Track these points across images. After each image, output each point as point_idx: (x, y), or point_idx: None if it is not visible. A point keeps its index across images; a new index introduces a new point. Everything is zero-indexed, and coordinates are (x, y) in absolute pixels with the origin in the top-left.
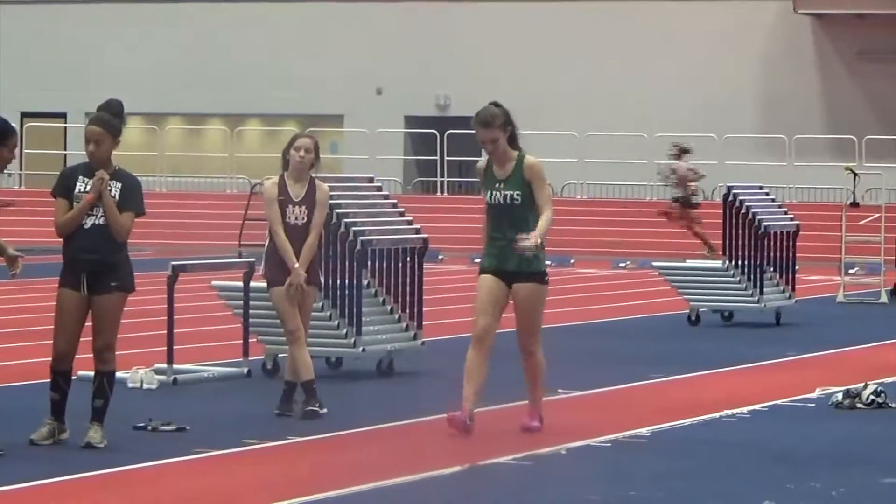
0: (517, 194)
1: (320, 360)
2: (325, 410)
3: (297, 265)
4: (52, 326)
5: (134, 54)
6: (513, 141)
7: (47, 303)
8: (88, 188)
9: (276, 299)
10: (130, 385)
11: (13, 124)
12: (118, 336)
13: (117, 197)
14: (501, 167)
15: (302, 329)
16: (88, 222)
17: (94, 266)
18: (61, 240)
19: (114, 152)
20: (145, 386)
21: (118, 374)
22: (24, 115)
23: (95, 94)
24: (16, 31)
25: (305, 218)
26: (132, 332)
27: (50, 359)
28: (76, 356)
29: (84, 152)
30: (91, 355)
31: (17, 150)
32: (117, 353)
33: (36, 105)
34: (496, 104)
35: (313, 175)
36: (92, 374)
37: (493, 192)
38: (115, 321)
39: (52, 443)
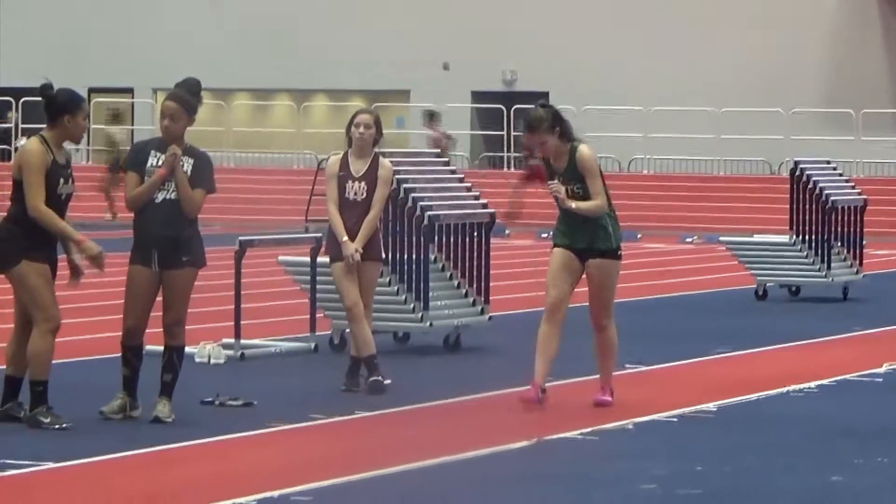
0: (577, 187)
1: (387, 335)
2: (388, 381)
3: (345, 239)
4: (123, 302)
5: (201, 30)
6: (564, 135)
7: (117, 278)
8: (161, 163)
9: (335, 275)
10: (198, 360)
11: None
12: (185, 309)
13: (189, 173)
14: (557, 161)
15: (360, 305)
16: (160, 197)
17: (166, 241)
18: (133, 214)
19: (181, 127)
20: (213, 361)
21: (187, 349)
22: (92, 90)
23: (162, 70)
24: (83, 5)
25: (365, 194)
26: (201, 308)
27: (120, 334)
28: (146, 331)
29: (154, 127)
30: (161, 330)
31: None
32: (186, 328)
33: (103, 80)
34: (543, 105)
35: (378, 151)
36: (161, 348)
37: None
38: (185, 296)
39: (123, 417)
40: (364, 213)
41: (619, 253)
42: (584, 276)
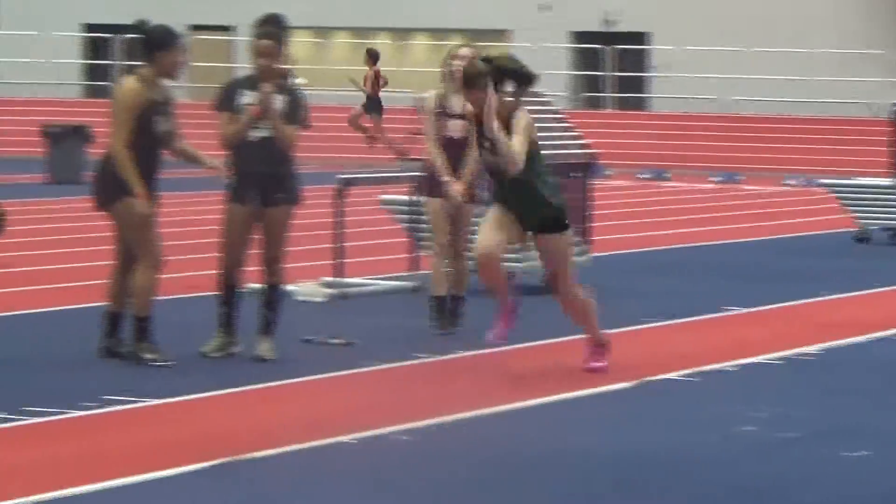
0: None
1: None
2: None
3: (447, 178)
4: (220, 240)
5: None
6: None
7: (213, 216)
8: (253, 101)
9: (430, 212)
10: (299, 298)
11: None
12: (286, 248)
13: (283, 110)
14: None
15: (444, 245)
16: (255, 135)
17: (262, 179)
18: (227, 153)
19: (276, 65)
20: (313, 299)
21: (287, 288)
22: (191, 27)
23: (262, 8)
24: None
25: (465, 131)
26: (299, 245)
27: (218, 272)
28: (245, 269)
29: (249, 65)
30: (260, 268)
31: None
32: (285, 266)
33: (203, 18)
34: (486, 59)
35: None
36: (261, 286)
37: (483, 152)
38: (282, 234)
39: (223, 355)
40: (463, 150)
41: (564, 223)
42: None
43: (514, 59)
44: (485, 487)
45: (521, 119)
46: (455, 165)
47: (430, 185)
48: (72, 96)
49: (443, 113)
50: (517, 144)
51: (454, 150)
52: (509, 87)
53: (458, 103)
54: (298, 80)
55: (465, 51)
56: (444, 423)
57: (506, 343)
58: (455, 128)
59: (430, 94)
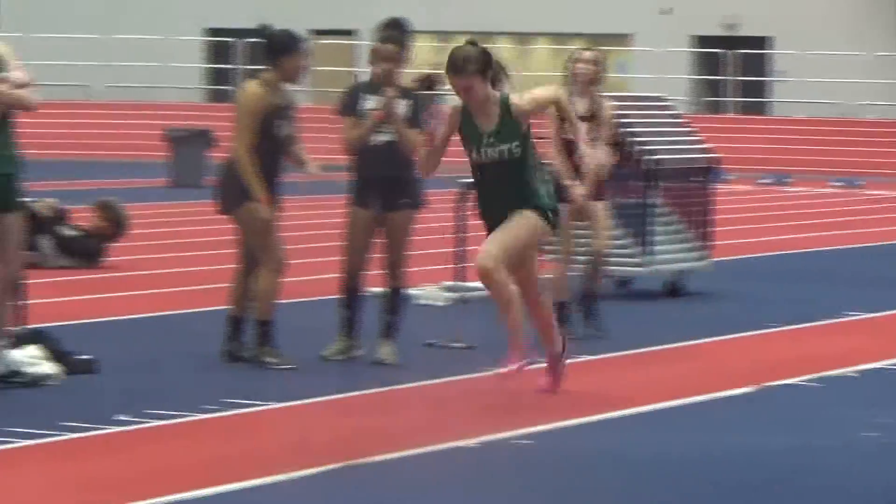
0: (515, 146)
1: (610, 279)
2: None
3: (569, 182)
4: (343, 244)
5: None
6: (494, 82)
7: (336, 220)
8: (376, 105)
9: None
10: (420, 302)
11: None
12: (408, 252)
13: (406, 114)
14: (483, 118)
15: (570, 252)
16: (378, 139)
17: (385, 183)
18: (350, 157)
19: (399, 70)
20: (434, 303)
21: (409, 291)
22: (314, 32)
23: (385, 12)
24: None
25: (588, 134)
26: (421, 250)
27: (341, 276)
28: (367, 273)
29: (370, 70)
30: (382, 272)
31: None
32: (407, 269)
33: (325, 22)
34: (472, 43)
35: (598, 92)
36: (383, 290)
37: (484, 149)
38: (404, 238)
39: (345, 359)
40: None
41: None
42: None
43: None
44: (602, 492)
45: (527, 101)
46: (578, 168)
47: (555, 189)
48: (194, 100)
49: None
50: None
51: (577, 151)
52: (490, 75)
53: (580, 106)
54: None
55: (587, 54)
56: (564, 428)
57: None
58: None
59: None
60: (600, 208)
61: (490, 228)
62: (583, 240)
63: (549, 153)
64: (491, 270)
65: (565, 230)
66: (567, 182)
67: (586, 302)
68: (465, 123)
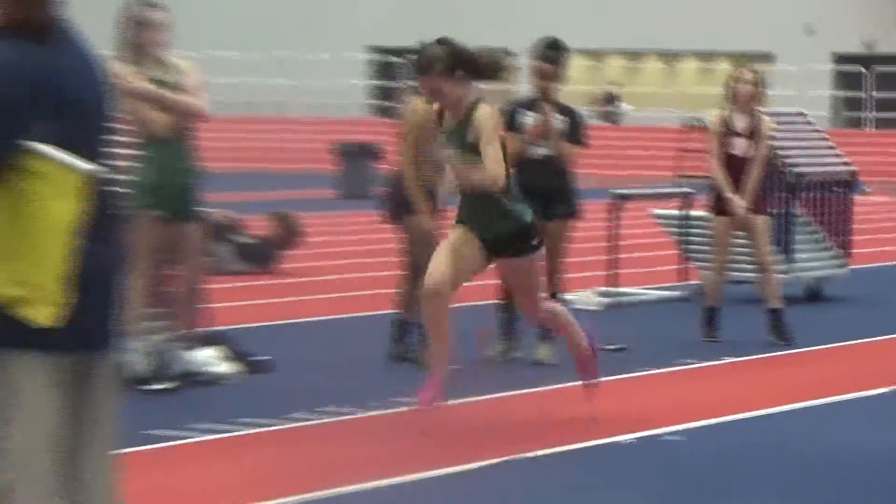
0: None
1: (751, 285)
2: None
3: (730, 195)
4: None
5: None
6: (467, 78)
7: None
8: (534, 121)
9: (713, 228)
10: (576, 306)
11: None
12: (565, 259)
13: (562, 129)
14: (454, 118)
15: (723, 262)
16: (536, 153)
17: (543, 194)
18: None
19: (555, 87)
20: (589, 307)
21: (565, 296)
22: None
23: (541, 31)
24: None
25: (748, 150)
26: (577, 257)
27: (500, 281)
28: None
29: (529, 87)
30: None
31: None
32: (564, 275)
33: (484, 41)
34: (442, 42)
35: (757, 110)
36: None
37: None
38: (561, 246)
39: (506, 360)
40: (744, 166)
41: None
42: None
43: (477, 49)
44: (758, 488)
45: (486, 119)
46: (738, 181)
47: (715, 202)
48: (360, 115)
49: (726, 131)
50: (492, 160)
51: (737, 166)
52: (461, 75)
53: (740, 122)
54: (624, 105)
55: (748, 74)
56: (715, 424)
57: (433, 407)
58: (737, 145)
59: (715, 114)
60: (760, 221)
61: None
62: (738, 249)
63: (709, 167)
64: (541, 310)
65: (721, 241)
66: (728, 195)
67: (771, 314)
68: (444, 124)
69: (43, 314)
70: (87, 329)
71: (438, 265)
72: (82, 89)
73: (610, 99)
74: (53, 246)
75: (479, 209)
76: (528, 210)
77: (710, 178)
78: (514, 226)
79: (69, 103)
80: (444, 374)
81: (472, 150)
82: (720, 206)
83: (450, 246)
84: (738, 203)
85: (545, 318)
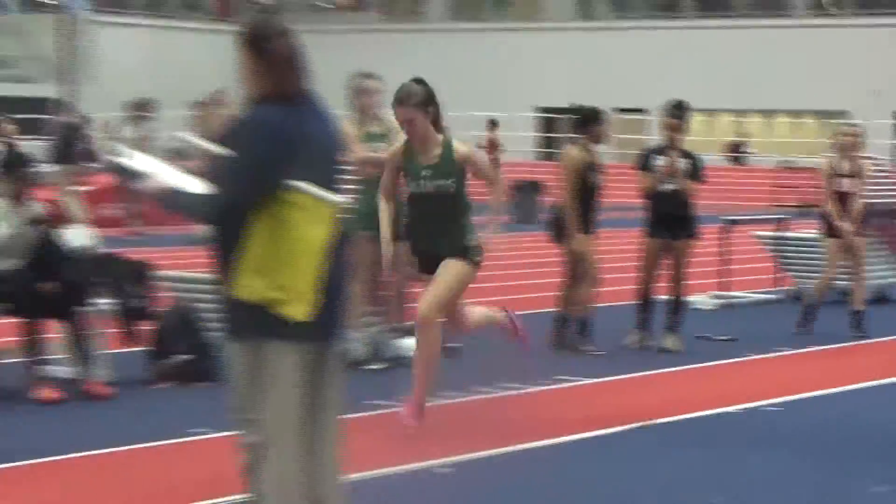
0: (452, 182)
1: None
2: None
3: (839, 222)
4: (639, 263)
5: (682, 58)
6: (436, 121)
7: (632, 246)
8: (663, 163)
9: (826, 248)
10: (695, 307)
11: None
12: (688, 270)
13: (686, 169)
14: (425, 153)
15: (832, 276)
16: (665, 188)
17: (671, 220)
18: (644, 201)
19: (680, 137)
20: (706, 308)
21: (686, 299)
22: (615, 109)
23: (668, 94)
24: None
25: (852, 186)
26: (697, 268)
27: (637, 287)
28: (657, 285)
29: (658, 137)
30: (667, 284)
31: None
32: (686, 282)
33: (624, 102)
34: (418, 80)
35: (858, 156)
36: (668, 297)
37: (423, 182)
38: (685, 260)
39: (640, 348)
40: (850, 199)
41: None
42: None
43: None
44: (840, 447)
45: (471, 148)
46: (845, 210)
47: (828, 227)
48: (529, 159)
49: (834, 174)
50: (497, 181)
51: (844, 199)
52: (432, 111)
53: (846, 166)
54: (751, 150)
55: (850, 129)
56: (808, 398)
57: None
58: (844, 184)
59: (824, 160)
60: (861, 242)
61: (420, 261)
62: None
63: (822, 201)
64: (430, 321)
65: (832, 257)
66: (837, 223)
67: (854, 314)
68: (407, 158)
69: (298, 312)
70: (325, 324)
71: (423, 297)
72: (324, 140)
73: (736, 146)
74: (308, 260)
75: (433, 231)
76: (476, 238)
77: (824, 208)
78: (464, 245)
79: (316, 151)
80: (423, 396)
81: (449, 178)
82: (832, 231)
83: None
84: (846, 228)
85: (461, 322)
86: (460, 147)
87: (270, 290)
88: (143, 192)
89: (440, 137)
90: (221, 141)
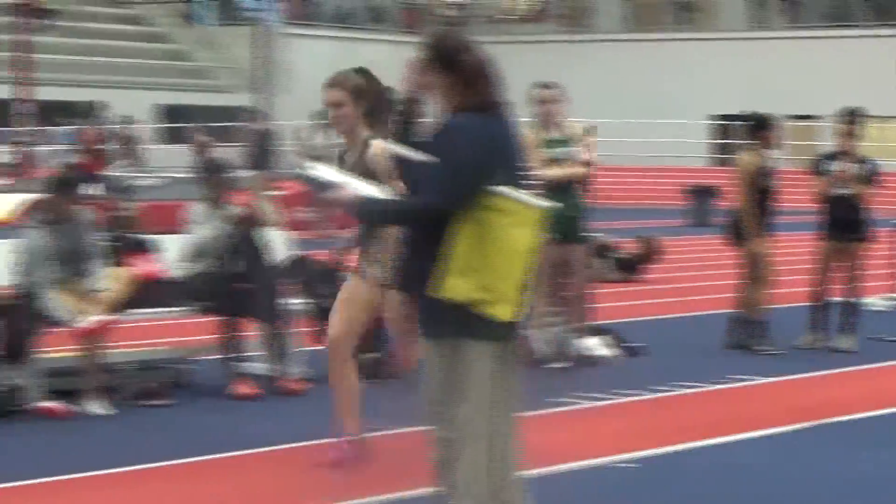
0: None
1: None
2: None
3: None
4: (814, 265)
5: (850, 66)
6: (368, 114)
7: (807, 248)
8: (836, 168)
9: None
10: (869, 308)
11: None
12: (862, 272)
13: (859, 175)
14: (350, 145)
15: None
16: (839, 192)
17: (845, 223)
18: (819, 205)
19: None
20: (877, 308)
21: (860, 300)
22: (786, 116)
23: (841, 101)
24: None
25: None
26: (870, 270)
27: (811, 288)
28: (830, 286)
29: (832, 143)
30: (841, 286)
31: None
32: (861, 284)
33: (796, 109)
34: (363, 70)
35: None
36: (841, 299)
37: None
38: (859, 262)
39: (814, 348)
40: None
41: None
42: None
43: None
44: None
45: (379, 154)
46: None
47: None
48: (703, 165)
49: None
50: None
51: None
52: (364, 106)
53: None
54: None
55: None
56: None
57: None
58: None
59: None
60: None
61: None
62: None
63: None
64: (339, 345)
65: None
66: None
67: None
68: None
69: (503, 312)
70: (514, 323)
71: (336, 315)
72: (514, 148)
73: None
74: (514, 263)
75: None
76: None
77: None
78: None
79: (509, 158)
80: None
81: (371, 177)
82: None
83: (348, 293)
84: None
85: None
86: (376, 145)
87: (476, 290)
88: (334, 201)
89: (364, 134)
90: (422, 147)
